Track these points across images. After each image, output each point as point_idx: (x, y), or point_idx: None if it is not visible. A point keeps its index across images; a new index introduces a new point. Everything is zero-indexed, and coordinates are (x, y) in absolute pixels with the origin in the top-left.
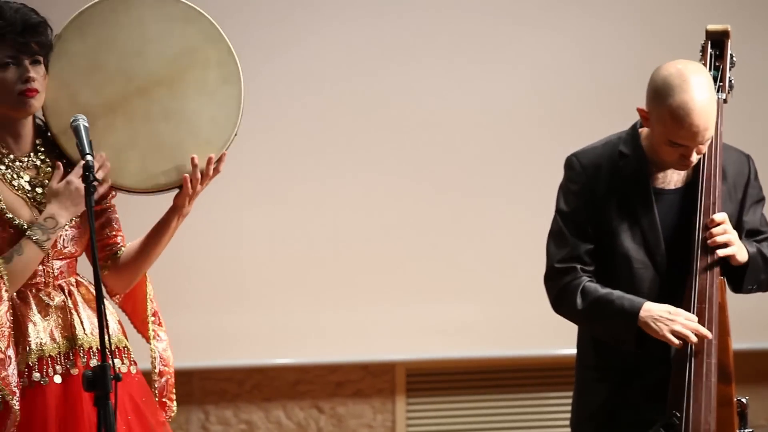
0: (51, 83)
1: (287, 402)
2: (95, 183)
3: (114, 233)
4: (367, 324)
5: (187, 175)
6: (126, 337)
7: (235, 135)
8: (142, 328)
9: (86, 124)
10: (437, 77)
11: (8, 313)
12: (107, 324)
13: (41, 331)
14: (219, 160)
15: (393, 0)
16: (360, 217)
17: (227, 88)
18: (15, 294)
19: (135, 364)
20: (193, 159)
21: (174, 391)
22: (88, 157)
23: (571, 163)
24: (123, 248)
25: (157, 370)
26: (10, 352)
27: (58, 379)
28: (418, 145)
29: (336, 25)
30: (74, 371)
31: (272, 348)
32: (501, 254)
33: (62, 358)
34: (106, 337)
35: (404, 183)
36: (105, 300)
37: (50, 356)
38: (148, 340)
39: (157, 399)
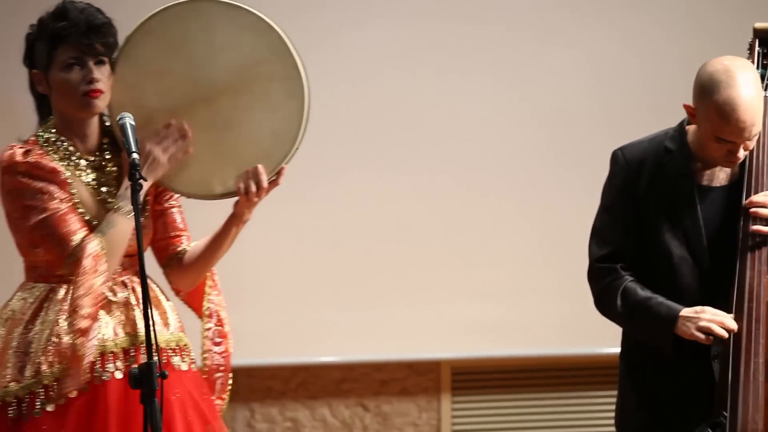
0: (117, 85)
1: (332, 400)
2: (142, 180)
3: (177, 233)
4: (413, 322)
5: (241, 186)
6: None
7: (296, 149)
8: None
9: (132, 122)
10: (469, 74)
11: (103, 287)
12: (167, 321)
13: (104, 327)
14: (278, 173)
15: None
16: (407, 214)
17: (291, 102)
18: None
19: (194, 362)
20: (248, 171)
21: (228, 390)
22: (134, 156)
23: (615, 158)
24: (186, 248)
25: (207, 368)
26: (96, 324)
27: (119, 375)
28: (457, 142)
29: (368, 21)
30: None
31: (318, 346)
32: (547, 252)
33: (123, 354)
34: (152, 334)
35: (446, 180)
36: (167, 297)
37: (112, 352)
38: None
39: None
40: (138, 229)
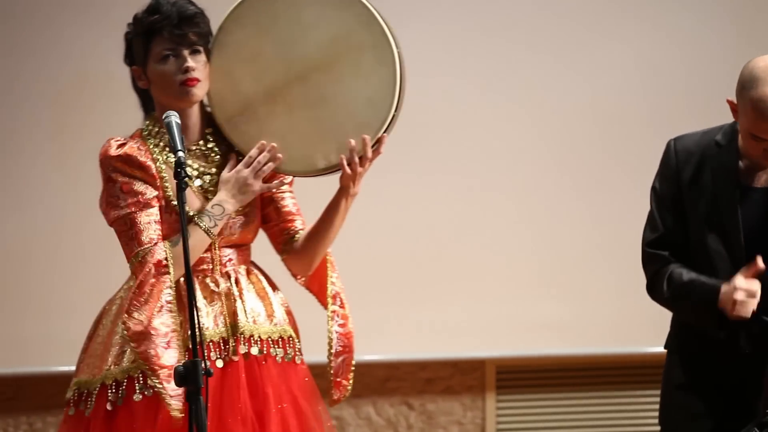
0: (214, 74)
1: (377, 398)
2: (186, 179)
3: (291, 217)
4: (458, 320)
5: (343, 157)
6: (295, 328)
7: (393, 116)
8: (325, 305)
9: (178, 121)
10: (509, 74)
11: (164, 294)
12: (271, 313)
13: (205, 317)
14: (379, 142)
15: None
16: (448, 214)
17: (382, 69)
18: (182, 280)
19: (300, 354)
20: (350, 142)
21: (352, 370)
22: (180, 154)
23: (668, 147)
24: (300, 232)
25: (333, 350)
26: (157, 328)
27: (219, 363)
28: (504, 140)
29: (429, 15)
30: (235, 358)
31: (363, 344)
32: (592, 250)
33: (224, 344)
34: (197, 331)
35: (493, 178)
36: (278, 289)
37: (212, 341)
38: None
39: (332, 378)
40: (183, 227)
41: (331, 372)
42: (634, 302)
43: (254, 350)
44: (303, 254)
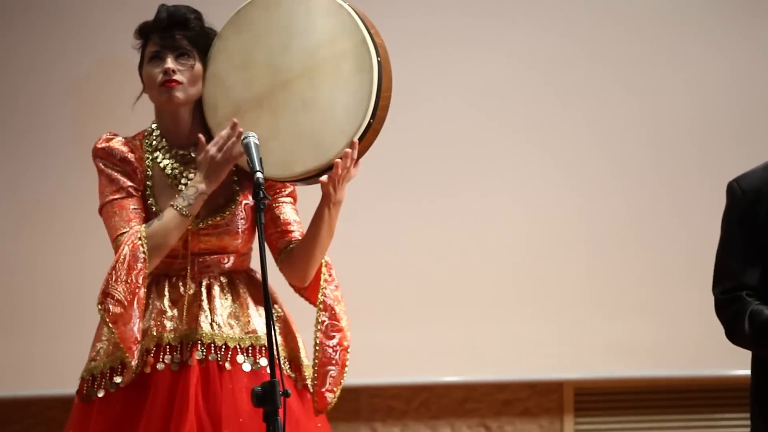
0: (209, 79)
1: (455, 420)
2: (265, 200)
3: (287, 227)
4: (535, 342)
5: (319, 165)
6: (288, 342)
7: (369, 124)
8: None
9: (257, 141)
10: (591, 86)
11: (140, 275)
12: (248, 320)
13: (166, 320)
14: (351, 147)
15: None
16: (526, 232)
17: (360, 76)
18: (154, 281)
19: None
20: (333, 148)
21: (341, 384)
22: (258, 174)
23: (731, 189)
24: (295, 241)
25: (317, 360)
26: (133, 311)
27: (174, 367)
28: (572, 156)
29: (513, 34)
30: (190, 362)
31: (440, 365)
32: (672, 271)
33: (181, 348)
34: (275, 351)
35: (571, 198)
36: (274, 303)
37: (169, 344)
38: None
39: (314, 388)
40: (260, 231)
41: (314, 381)
42: (716, 323)
43: (211, 356)
44: (295, 264)
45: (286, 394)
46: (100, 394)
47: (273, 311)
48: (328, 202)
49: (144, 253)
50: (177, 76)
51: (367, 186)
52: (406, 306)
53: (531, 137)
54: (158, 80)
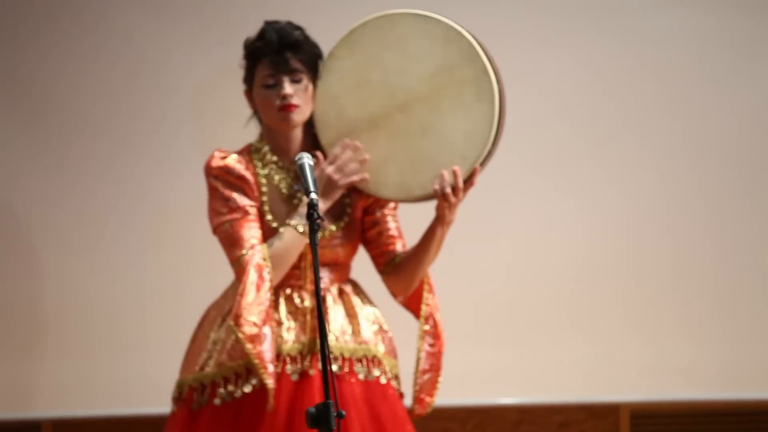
0: (321, 97)
1: None
2: (319, 221)
3: (391, 240)
4: (591, 364)
5: (437, 188)
6: (390, 350)
7: (490, 151)
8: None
9: (311, 162)
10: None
11: (268, 294)
12: (357, 331)
13: (284, 331)
14: (472, 174)
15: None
16: (583, 254)
17: (482, 104)
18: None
19: (386, 374)
20: (443, 173)
21: (437, 388)
22: (312, 195)
23: None
24: (400, 254)
25: (420, 368)
26: (266, 329)
27: (294, 377)
28: (658, 181)
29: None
30: (311, 372)
31: (495, 387)
32: (735, 291)
33: (300, 357)
34: (327, 367)
35: (623, 221)
36: (373, 308)
37: (289, 355)
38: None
39: (416, 394)
40: (314, 252)
41: (416, 389)
42: None
43: (333, 367)
44: (401, 276)
45: (340, 416)
46: (217, 402)
47: (375, 322)
48: (441, 223)
49: (269, 273)
50: (294, 100)
51: (422, 207)
52: (461, 328)
53: (585, 160)
54: (276, 105)
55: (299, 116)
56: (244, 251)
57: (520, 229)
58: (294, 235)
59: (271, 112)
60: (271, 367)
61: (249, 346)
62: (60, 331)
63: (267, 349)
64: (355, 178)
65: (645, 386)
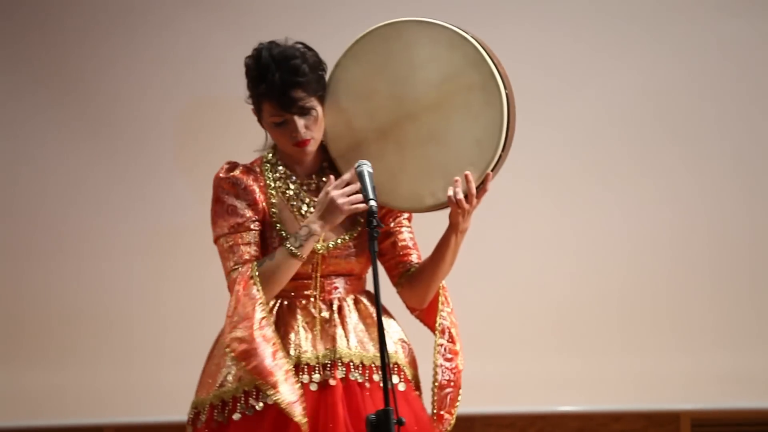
0: (329, 109)
1: None
2: (379, 228)
3: (406, 252)
4: (652, 372)
5: (450, 195)
6: (411, 360)
7: (500, 156)
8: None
9: (370, 170)
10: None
11: (256, 310)
12: (389, 359)
13: (303, 341)
14: (485, 180)
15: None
16: (643, 262)
17: (490, 110)
18: (285, 303)
19: (407, 381)
20: (456, 180)
21: (456, 406)
22: (372, 203)
23: None
24: (415, 265)
25: (437, 383)
26: (259, 344)
27: (313, 387)
28: (695, 188)
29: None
30: (332, 382)
31: (555, 395)
32: None
33: (321, 367)
34: (388, 374)
35: (680, 229)
36: (391, 320)
37: (307, 364)
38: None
39: (434, 411)
40: (374, 260)
41: (434, 404)
42: None
43: (355, 375)
44: (416, 288)
45: (400, 423)
46: (236, 418)
47: (397, 334)
48: (455, 231)
49: (258, 290)
50: (307, 135)
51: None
52: (522, 336)
53: (633, 169)
54: (290, 141)
55: (314, 146)
56: (235, 267)
57: (578, 239)
58: (285, 256)
59: (284, 144)
60: (272, 378)
61: (242, 363)
62: (124, 339)
63: (262, 362)
64: (359, 207)
65: (705, 394)
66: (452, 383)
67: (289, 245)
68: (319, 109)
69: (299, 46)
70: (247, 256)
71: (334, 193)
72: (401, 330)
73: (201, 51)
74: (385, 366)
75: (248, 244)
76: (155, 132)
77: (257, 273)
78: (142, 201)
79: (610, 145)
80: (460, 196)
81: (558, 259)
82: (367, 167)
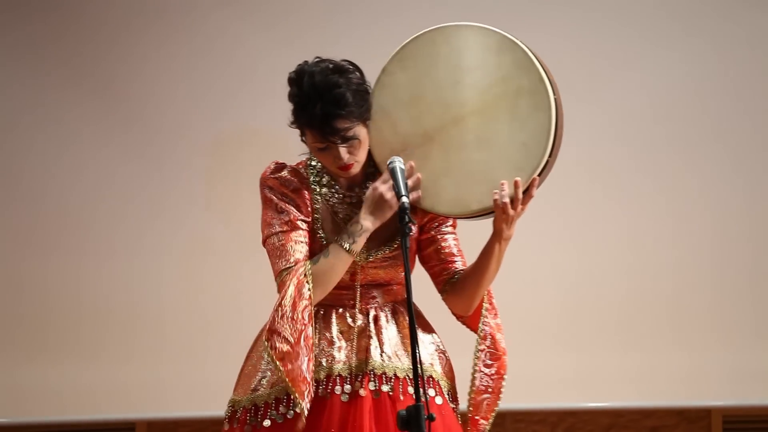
0: (375, 114)
1: None
2: (411, 224)
3: (450, 258)
4: (683, 368)
5: (497, 199)
6: (448, 372)
7: (548, 162)
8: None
9: (402, 166)
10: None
11: (305, 311)
12: (421, 361)
13: (336, 351)
14: (531, 185)
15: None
16: (675, 256)
17: (538, 115)
18: (321, 312)
19: (443, 395)
20: (502, 185)
21: (494, 411)
22: (404, 199)
23: None
24: (459, 272)
25: (474, 387)
26: (302, 348)
27: (344, 398)
28: (728, 184)
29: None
30: (362, 393)
31: (586, 391)
32: None
33: (351, 378)
34: (419, 372)
35: (713, 225)
36: (432, 331)
37: (340, 375)
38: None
39: (469, 414)
40: (405, 257)
41: (469, 408)
42: None
43: (385, 387)
44: (461, 295)
45: (431, 418)
46: (266, 424)
47: (432, 343)
48: (499, 238)
49: (309, 290)
50: (350, 160)
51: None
52: (552, 332)
53: (678, 165)
54: (334, 165)
55: (357, 168)
56: (287, 265)
57: (607, 234)
58: (339, 252)
59: (328, 165)
60: (303, 387)
61: (278, 363)
62: (156, 335)
63: (299, 367)
64: (412, 196)
65: (737, 391)
66: (490, 389)
67: (341, 242)
68: (363, 132)
69: (344, 66)
70: (299, 255)
71: (383, 188)
72: (439, 339)
73: (236, 51)
74: (416, 361)
75: (300, 243)
76: (186, 129)
77: (310, 271)
78: (173, 198)
79: (611, 143)
80: (506, 199)
81: (589, 257)
82: (399, 163)
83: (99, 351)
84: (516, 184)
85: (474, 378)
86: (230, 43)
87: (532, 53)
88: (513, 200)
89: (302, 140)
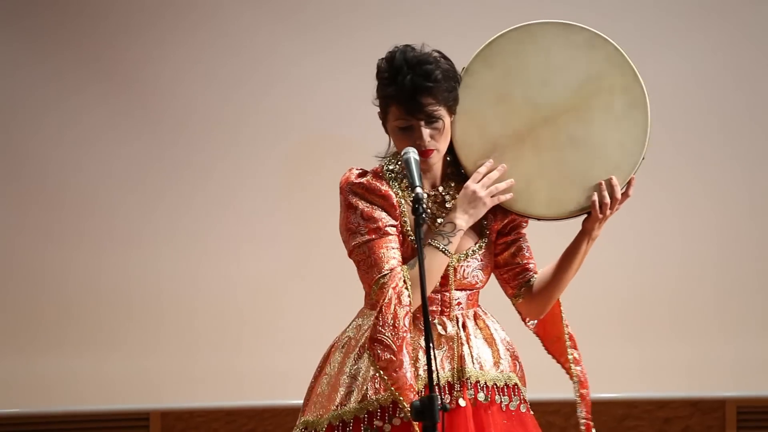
0: (460, 116)
1: None
2: (424, 215)
3: (525, 261)
4: (697, 358)
5: (596, 200)
6: (522, 375)
7: (643, 159)
8: (553, 349)
9: (416, 158)
10: None
11: (406, 318)
12: (498, 360)
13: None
14: (628, 185)
15: None
16: (686, 248)
17: (634, 112)
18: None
19: (525, 402)
20: (601, 184)
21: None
22: (418, 190)
23: None
24: (535, 275)
25: (579, 393)
26: (404, 356)
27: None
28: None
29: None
30: (462, 403)
31: (600, 382)
32: None
33: (448, 387)
34: (434, 367)
35: (724, 221)
36: (503, 333)
37: (437, 386)
38: (565, 363)
39: (584, 421)
40: (421, 264)
41: (582, 412)
42: None
43: (480, 396)
44: (538, 298)
45: (444, 409)
46: None
47: (511, 351)
48: (587, 237)
49: (409, 296)
50: (431, 145)
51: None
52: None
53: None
54: (414, 147)
55: (437, 157)
56: (383, 273)
57: (628, 230)
58: (435, 254)
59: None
60: (410, 395)
61: (383, 372)
62: (171, 326)
63: (404, 375)
64: (505, 196)
65: (751, 381)
66: (586, 385)
67: (436, 243)
68: (446, 120)
69: (436, 54)
70: (394, 261)
71: (475, 186)
72: (513, 344)
73: (269, 51)
74: (430, 348)
75: (392, 249)
76: (214, 123)
77: (408, 276)
78: (201, 190)
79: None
80: (607, 200)
81: (605, 252)
82: (413, 154)
83: (115, 342)
84: (614, 184)
85: (575, 382)
86: (242, 32)
87: (622, 50)
88: (612, 199)
89: (383, 125)
